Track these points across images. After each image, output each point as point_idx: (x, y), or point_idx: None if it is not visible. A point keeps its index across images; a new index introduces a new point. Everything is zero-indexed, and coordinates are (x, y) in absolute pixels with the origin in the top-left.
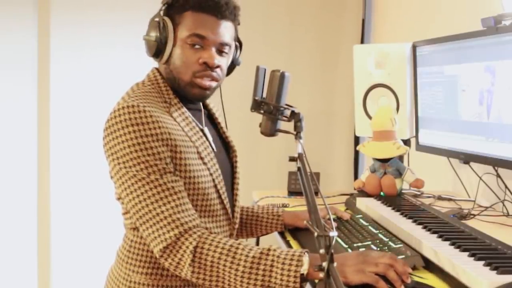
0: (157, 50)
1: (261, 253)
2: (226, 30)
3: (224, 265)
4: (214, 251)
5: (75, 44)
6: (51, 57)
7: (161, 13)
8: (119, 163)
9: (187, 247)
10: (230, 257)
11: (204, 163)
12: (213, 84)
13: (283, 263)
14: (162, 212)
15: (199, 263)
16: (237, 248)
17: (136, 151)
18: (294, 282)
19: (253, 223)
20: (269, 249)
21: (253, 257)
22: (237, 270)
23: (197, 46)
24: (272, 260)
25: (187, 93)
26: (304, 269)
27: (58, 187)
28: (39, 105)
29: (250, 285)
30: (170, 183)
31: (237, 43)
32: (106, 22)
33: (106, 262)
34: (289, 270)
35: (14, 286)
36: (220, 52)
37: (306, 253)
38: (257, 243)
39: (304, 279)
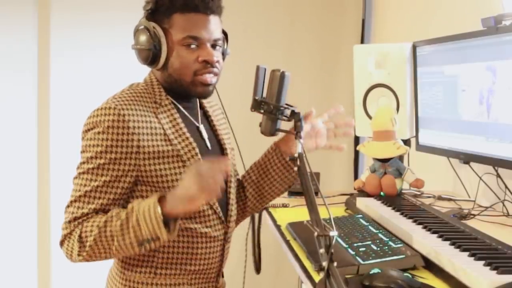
0: (152, 57)
1: (127, 213)
2: (216, 25)
3: (106, 238)
4: (92, 231)
5: (75, 44)
6: (51, 57)
7: (145, 19)
8: (81, 158)
9: (74, 237)
10: (108, 230)
11: (186, 166)
12: (214, 79)
13: (144, 216)
14: (70, 199)
15: (85, 246)
16: (111, 218)
17: (96, 152)
18: (159, 228)
19: (262, 175)
20: (132, 208)
21: (122, 220)
22: (116, 237)
23: (192, 46)
24: (137, 219)
25: (191, 92)
26: (159, 211)
27: (58, 187)
28: (39, 105)
29: (128, 245)
30: (100, 187)
31: (223, 35)
32: (106, 22)
33: (107, 262)
34: (151, 222)
35: (14, 286)
36: (213, 46)
37: (158, 200)
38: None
39: (167, 220)
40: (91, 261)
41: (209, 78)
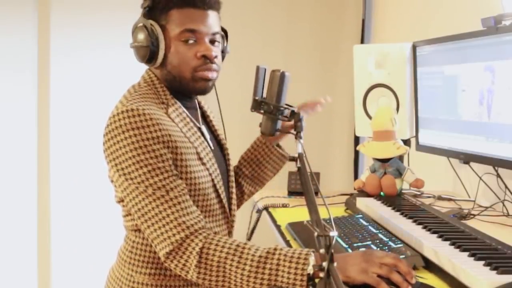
0: (150, 55)
1: (268, 252)
2: (214, 20)
3: (231, 265)
4: (221, 251)
5: (75, 45)
6: (51, 57)
7: (143, 18)
8: (122, 168)
9: (193, 248)
10: (237, 256)
11: (203, 164)
12: (214, 75)
13: (290, 261)
14: (168, 215)
15: (206, 264)
16: (243, 248)
17: (138, 154)
18: (301, 280)
19: (254, 167)
20: (275, 249)
21: (260, 256)
22: (243, 269)
23: (190, 41)
24: (279, 259)
25: (191, 89)
26: (310, 269)
27: (58, 187)
28: (39, 105)
29: (257, 285)
30: (174, 183)
31: (222, 33)
32: (106, 22)
33: (107, 262)
34: (296, 269)
35: (14, 286)
36: (212, 42)
37: (312, 253)
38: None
39: (310, 278)
40: (198, 279)
41: (209, 73)
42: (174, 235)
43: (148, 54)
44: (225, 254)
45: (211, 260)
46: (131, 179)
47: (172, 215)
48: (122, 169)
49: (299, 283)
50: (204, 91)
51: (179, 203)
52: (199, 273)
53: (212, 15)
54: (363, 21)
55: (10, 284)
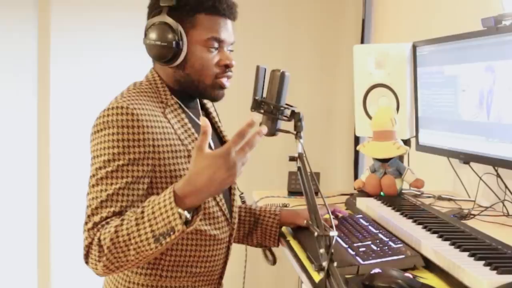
0: (172, 55)
1: (143, 206)
2: (232, 30)
3: (123, 237)
4: (110, 231)
5: (75, 46)
6: (51, 58)
7: (166, 16)
8: (94, 163)
9: (95, 242)
10: (125, 227)
11: None
12: (229, 83)
13: (159, 203)
14: (92, 199)
15: (103, 250)
16: (127, 215)
17: (114, 153)
18: (174, 219)
19: (251, 221)
20: (149, 201)
21: (137, 214)
22: (132, 234)
23: (213, 49)
24: (153, 211)
25: (207, 94)
26: (180, 211)
27: (58, 187)
28: (39, 106)
29: (145, 243)
30: (127, 187)
31: None
32: (106, 24)
33: None
34: (166, 213)
35: (14, 286)
36: (229, 51)
37: (172, 190)
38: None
39: (188, 221)
40: (114, 270)
41: (227, 82)
42: (86, 238)
43: (171, 54)
44: (113, 230)
45: (107, 243)
46: (93, 164)
47: (88, 209)
48: (95, 163)
49: (173, 222)
50: (216, 99)
51: (99, 195)
52: (104, 262)
53: (232, 25)
54: (363, 21)
55: (10, 284)
